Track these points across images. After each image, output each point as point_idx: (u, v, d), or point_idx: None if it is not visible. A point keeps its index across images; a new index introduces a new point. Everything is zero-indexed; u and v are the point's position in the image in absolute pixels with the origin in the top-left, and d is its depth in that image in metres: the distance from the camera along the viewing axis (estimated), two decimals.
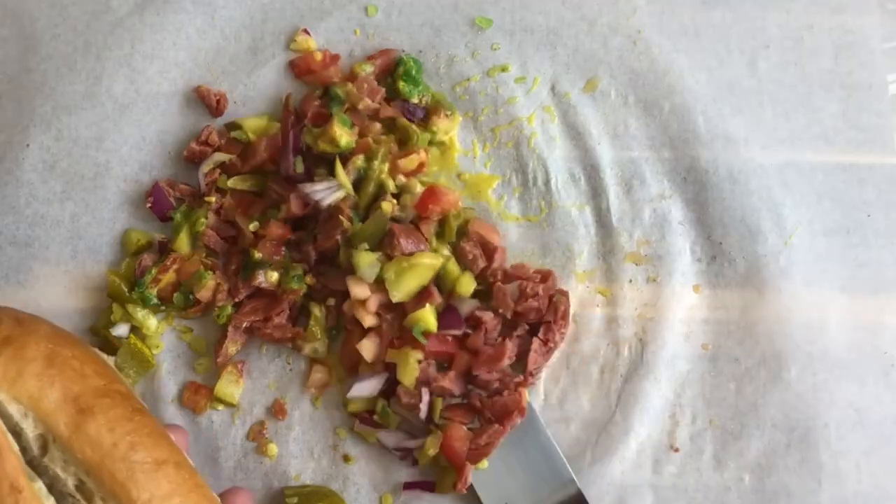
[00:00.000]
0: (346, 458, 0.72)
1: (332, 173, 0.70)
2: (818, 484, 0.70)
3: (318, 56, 0.75)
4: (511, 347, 0.69)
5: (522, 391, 0.69)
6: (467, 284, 0.69)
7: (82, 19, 0.77)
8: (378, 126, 0.72)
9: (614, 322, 0.72)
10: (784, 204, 0.73)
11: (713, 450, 0.70)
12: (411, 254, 0.68)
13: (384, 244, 0.69)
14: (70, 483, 0.51)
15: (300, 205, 0.70)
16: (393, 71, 0.75)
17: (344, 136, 0.70)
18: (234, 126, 0.74)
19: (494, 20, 0.76)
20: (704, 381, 0.72)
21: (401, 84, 0.74)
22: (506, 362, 0.69)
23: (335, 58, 0.76)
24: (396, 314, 0.70)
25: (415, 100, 0.74)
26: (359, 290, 0.69)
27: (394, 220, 0.70)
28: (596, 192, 0.74)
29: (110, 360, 0.60)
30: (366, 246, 0.69)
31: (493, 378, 0.68)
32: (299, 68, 0.76)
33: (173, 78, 0.76)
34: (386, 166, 0.71)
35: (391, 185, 0.71)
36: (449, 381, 0.68)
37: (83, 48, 0.76)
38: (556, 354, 0.72)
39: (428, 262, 0.68)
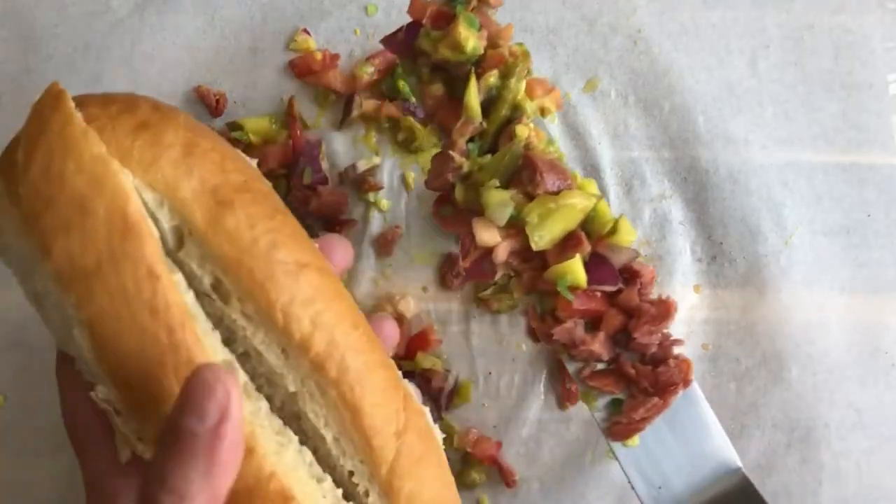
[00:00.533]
0: None
1: (452, 91, 0.61)
2: (819, 484, 0.70)
3: (318, 56, 0.75)
4: (675, 304, 0.58)
5: (688, 360, 0.59)
6: (628, 231, 0.58)
7: (82, 19, 0.77)
8: (512, 29, 0.61)
9: None
10: (784, 204, 0.73)
11: None
12: (558, 192, 0.57)
13: (521, 180, 0.58)
14: (206, 281, 0.47)
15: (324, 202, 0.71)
16: (393, 70, 0.75)
17: (471, 39, 0.58)
18: (235, 126, 0.74)
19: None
20: (705, 382, 0.71)
21: (401, 83, 0.74)
22: (671, 322, 0.58)
23: (335, 58, 0.76)
24: (532, 265, 0.59)
25: (415, 99, 0.74)
26: (487, 235, 0.57)
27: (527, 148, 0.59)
28: None
29: (253, 161, 0.54)
30: (496, 182, 0.57)
31: (654, 342, 0.59)
32: (299, 68, 0.75)
33: (173, 78, 0.76)
34: (523, 85, 0.60)
35: (530, 108, 0.60)
36: (599, 345, 0.59)
37: (83, 48, 0.76)
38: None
39: (578, 203, 0.57)
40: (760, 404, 0.71)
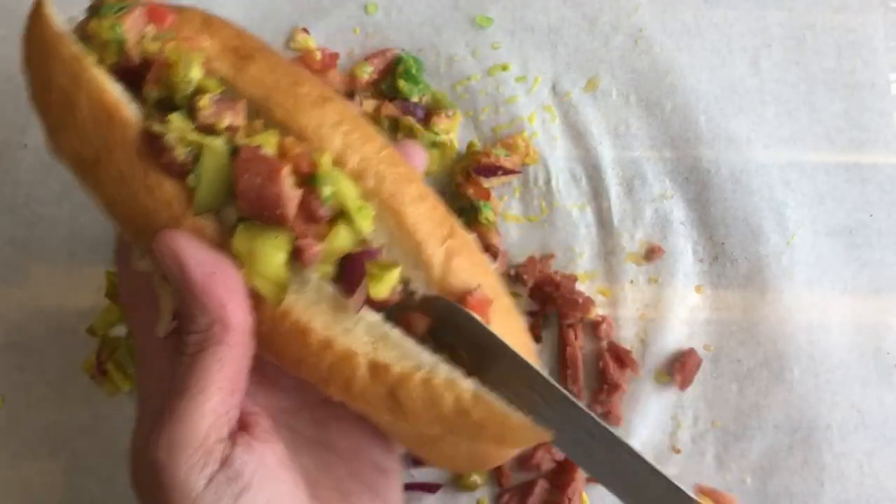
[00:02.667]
0: None
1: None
2: (821, 486, 0.69)
3: (318, 55, 0.74)
4: None
5: None
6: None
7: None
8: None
9: (616, 323, 0.72)
10: (786, 204, 0.73)
11: (715, 451, 0.70)
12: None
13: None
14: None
15: None
16: (393, 70, 0.75)
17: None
18: None
19: (495, 19, 0.76)
20: (706, 382, 0.71)
21: (401, 83, 0.73)
22: None
23: (334, 56, 0.75)
24: None
25: (415, 98, 0.74)
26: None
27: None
28: (597, 192, 0.74)
29: None
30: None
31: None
32: None
33: None
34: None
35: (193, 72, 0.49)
36: None
37: None
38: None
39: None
40: (762, 405, 0.70)
